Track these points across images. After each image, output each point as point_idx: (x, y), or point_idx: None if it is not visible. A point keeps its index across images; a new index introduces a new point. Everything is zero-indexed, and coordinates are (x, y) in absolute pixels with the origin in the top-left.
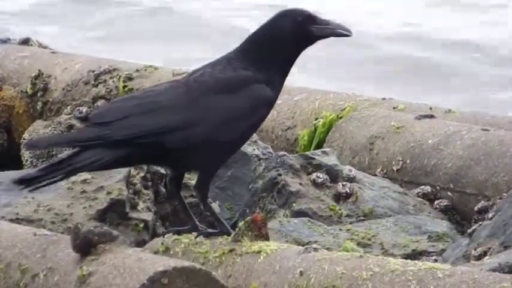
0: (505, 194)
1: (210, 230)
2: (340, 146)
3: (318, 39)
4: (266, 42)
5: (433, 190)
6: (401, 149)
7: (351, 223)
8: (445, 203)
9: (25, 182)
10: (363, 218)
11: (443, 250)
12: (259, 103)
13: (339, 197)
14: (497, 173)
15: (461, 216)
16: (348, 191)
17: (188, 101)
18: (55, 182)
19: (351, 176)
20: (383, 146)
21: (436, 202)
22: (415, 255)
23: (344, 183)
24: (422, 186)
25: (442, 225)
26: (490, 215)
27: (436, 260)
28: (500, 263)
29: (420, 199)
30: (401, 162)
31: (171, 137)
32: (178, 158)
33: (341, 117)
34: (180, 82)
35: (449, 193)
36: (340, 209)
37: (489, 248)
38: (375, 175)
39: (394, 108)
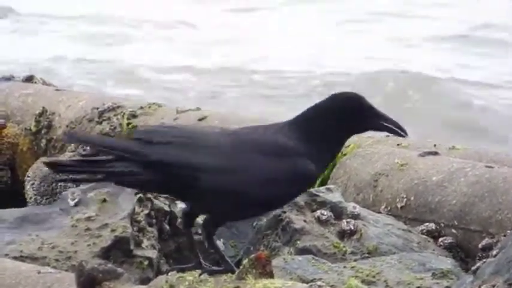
0: (509, 231)
1: (214, 268)
2: (344, 183)
3: (370, 130)
4: (321, 119)
5: (437, 227)
6: (405, 186)
7: (355, 260)
8: (449, 240)
9: (57, 167)
10: (367, 255)
11: (447, 287)
12: (298, 176)
13: (343, 234)
14: (501, 210)
15: (465, 254)
16: (352, 228)
17: (232, 151)
18: (80, 181)
19: (355, 213)
20: (387, 183)
21: (440, 239)
22: None
23: (348, 220)
24: (427, 224)
25: (447, 263)
26: (494, 252)
27: None
28: None
29: (424, 236)
30: (405, 199)
31: (201, 176)
32: (202, 198)
33: (345, 154)
34: (230, 131)
35: (453, 230)
36: (344, 246)
37: (493, 286)
38: (379, 212)
39: (397, 145)
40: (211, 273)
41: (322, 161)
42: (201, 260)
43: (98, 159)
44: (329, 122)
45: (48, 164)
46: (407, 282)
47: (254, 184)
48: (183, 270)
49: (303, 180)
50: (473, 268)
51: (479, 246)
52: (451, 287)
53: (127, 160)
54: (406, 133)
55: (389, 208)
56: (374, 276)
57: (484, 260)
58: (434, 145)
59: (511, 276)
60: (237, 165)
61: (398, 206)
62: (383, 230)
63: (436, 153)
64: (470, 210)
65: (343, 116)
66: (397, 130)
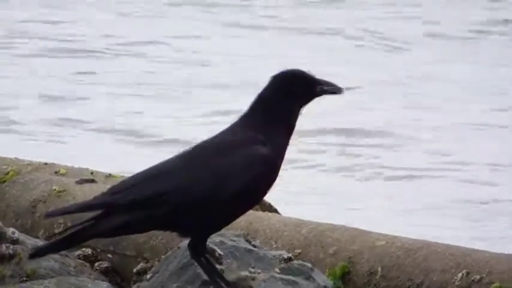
0: (163, 256)
1: None
2: (3, 210)
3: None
4: (271, 101)
5: (94, 252)
6: None
7: (13, 283)
8: (105, 265)
9: (39, 254)
10: (25, 278)
11: None
12: (251, 162)
13: (3, 258)
14: (155, 236)
15: (121, 277)
16: (11, 253)
17: (185, 164)
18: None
19: (15, 238)
20: (45, 210)
21: (96, 264)
22: None
23: (7, 245)
24: (83, 249)
25: (103, 286)
26: (148, 276)
27: None
28: None
29: (81, 261)
30: (62, 225)
31: (168, 198)
32: (178, 219)
33: (4, 181)
34: (187, 149)
35: (109, 255)
36: (3, 269)
37: None
38: (37, 237)
39: (56, 172)
40: None
41: (278, 143)
42: (221, 284)
43: (78, 228)
44: (280, 100)
45: (32, 256)
46: None
47: (210, 186)
48: None
49: (259, 165)
50: None
51: (134, 270)
52: None
53: (108, 214)
54: (343, 90)
55: (47, 233)
56: None
57: (138, 285)
58: (92, 173)
59: None
60: (191, 176)
61: (56, 231)
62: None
63: (93, 181)
64: (126, 236)
65: (292, 91)
66: (335, 91)
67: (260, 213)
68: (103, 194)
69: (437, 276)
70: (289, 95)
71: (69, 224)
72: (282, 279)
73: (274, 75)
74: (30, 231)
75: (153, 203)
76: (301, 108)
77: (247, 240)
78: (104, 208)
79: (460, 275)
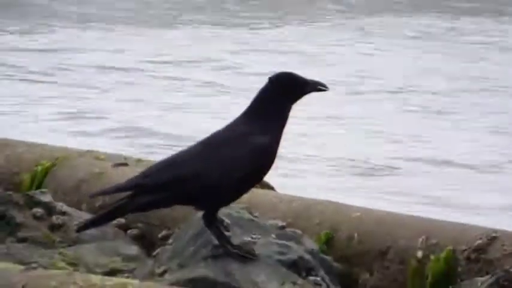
0: (182, 225)
1: (220, 251)
2: (54, 188)
3: (305, 95)
4: (268, 100)
5: (127, 221)
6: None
7: (62, 247)
8: (135, 232)
9: (84, 228)
10: (72, 243)
11: (134, 269)
12: (253, 151)
13: (53, 227)
14: (175, 209)
15: (148, 242)
16: (60, 222)
17: (199, 153)
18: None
19: (63, 210)
20: (88, 188)
21: (128, 231)
22: (112, 272)
23: (57, 216)
24: (119, 219)
25: (133, 249)
26: (170, 241)
27: (128, 277)
28: (177, 279)
29: (117, 229)
30: (101, 200)
31: (185, 182)
32: (194, 198)
33: (55, 165)
34: (201, 140)
35: (139, 224)
36: (54, 237)
37: (169, 267)
38: (81, 210)
39: (96, 158)
40: (214, 257)
41: (275, 135)
42: (229, 247)
43: (116, 206)
44: (275, 99)
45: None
46: (103, 265)
47: (219, 173)
48: (215, 257)
49: (260, 153)
50: (154, 254)
51: (159, 236)
52: (137, 269)
53: (140, 194)
54: (327, 87)
55: (89, 207)
56: (77, 259)
57: (162, 247)
58: (125, 158)
59: (182, 259)
60: (203, 165)
61: (96, 205)
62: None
63: (126, 164)
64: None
65: (286, 91)
66: (322, 88)
67: (260, 190)
68: (135, 177)
69: (403, 241)
70: (283, 94)
71: (107, 200)
72: (277, 243)
73: (270, 78)
74: (75, 205)
75: (173, 186)
76: (292, 105)
77: (249, 212)
78: (136, 189)
79: (420, 239)
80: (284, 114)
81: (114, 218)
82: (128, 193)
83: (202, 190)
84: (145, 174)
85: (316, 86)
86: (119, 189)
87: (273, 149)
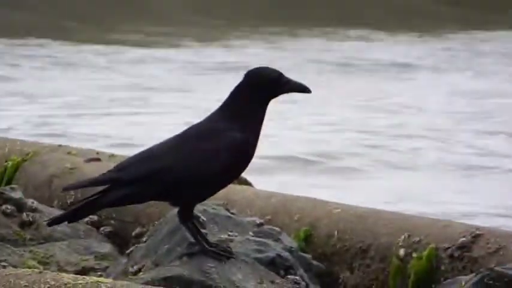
0: (156, 222)
1: (195, 250)
2: (25, 183)
3: (283, 94)
4: (244, 95)
5: (99, 218)
6: None
7: (33, 245)
8: (108, 229)
9: (55, 222)
10: (43, 241)
11: (107, 267)
12: (228, 147)
13: (23, 224)
14: (150, 205)
15: (121, 240)
16: (31, 219)
17: (174, 147)
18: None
19: (33, 207)
20: (59, 183)
21: (101, 228)
22: (84, 271)
23: (28, 213)
24: (91, 216)
25: (106, 247)
26: (144, 239)
27: (101, 275)
28: (152, 278)
29: (89, 226)
30: (73, 196)
31: (159, 176)
32: (169, 192)
33: (26, 160)
34: (176, 134)
35: (112, 221)
36: (24, 234)
37: (143, 266)
38: (53, 207)
39: (68, 153)
40: (190, 255)
41: (252, 130)
42: (205, 245)
43: (89, 200)
44: (252, 94)
45: (50, 224)
46: (75, 263)
47: (192, 166)
48: (191, 256)
49: (235, 147)
50: (127, 252)
51: (133, 234)
52: (110, 267)
53: (114, 188)
54: (309, 90)
55: (61, 203)
56: (48, 258)
57: (136, 245)
58: (97, 153)
59: (156, 257)
60: (177, 158)
61: (68, 201)
62: None
63: (98, 160)
64: (126, 206)
65: (263, 87)
66: (303, 90)
67: (237, 186)
68: (109, 171)
69: (384, 238)
70: (259, 89)
71: (79, 196)
72: (255, 241)
73: (247, 72)
74: (47, 201)
75: (147, 180)
76: (269, 101)
77: (226, 209)
78: (110, 183)
79: (403, 237)
80: (259, 111)
81: (87, 213)
82: (102, 188)
83: (175, 184)
84: (119, 168)
85: (296, 87)
86: (93, 183)
87: (248, 144)
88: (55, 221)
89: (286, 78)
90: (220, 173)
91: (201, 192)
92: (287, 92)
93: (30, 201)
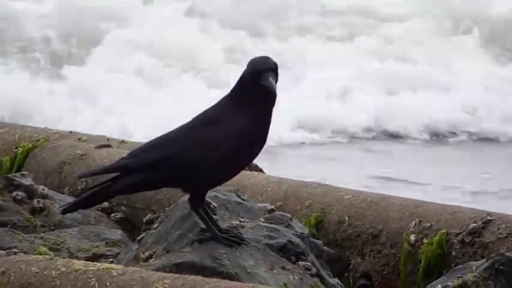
0: (167, 209)
1: (203, 236)
2: (35, 170)
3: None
4: (245, 83)
5: (110, 205)
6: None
7: (44, 232)
8: (119, 216)
9: (68, 210)
10: (53, 227)
11: (118, 253)
12: (234, 133)
13: (34, 211)
14: (161, 191)
15: (132, 226)
16: (42, 206)
17: (183, 134)
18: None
19: (44, 193)
20: (70, 170)
21: (112, 215)
22: (95, 257)
23: (38, 199)
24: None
25: (117, 233)
26: (155, 226)
27: (112, 262)
28: (162, 264)
29: (100, 212)
30: (84, 183)
31: (169, 162)
32: (179, 178)
33: (36, 147)
34: (186, 122)
35: (122, 207)
36: (35, 221)
37: (154, 252)
38: (63, 193)
39: (78, 139)
40: (201, 241)
41: (260, 116)
42: (216, 231)
43: (101, 187)
44: (251, 81)
45: (63, 212)
46: (86, 249)
47: (200, 152)
48: (202, 242)
49: (240, 134)
50: (138, 238)
51: (144, 220)
52: (120, 253)
53: (126, 175)
54: (274, 94)
55: (71, 190)
56: (59, 245)
57: (147, 232)
58: (108, 139)
59: (167, 244)
60: (187, 144)
61: (79, 188)
62: None
63: (109, 146)
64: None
65: (249, 82)
66: (269, 92)
67: (248, 172)
68: (122, 158)
69: (395, 224)
70: (255, 77)
71: (90, 182)
72: (266, 227)
73: (250, 60)
74: (57, 188)
75: (158, 167)
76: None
77: (237, 195)
78: (122, 170)
79: (413, 222)
80: (264, 99)
81: (100, 201)
82: (114, 175)
83: (185, 171)
84: (131, 155)
85: (266, 85)
86: (107, 170)
87: (256, 131)
88: (68, 209)
89: (263, 74)
90: (226, 160)
91: (208, 178)
92: (257, 92)
93: (40, 188)
